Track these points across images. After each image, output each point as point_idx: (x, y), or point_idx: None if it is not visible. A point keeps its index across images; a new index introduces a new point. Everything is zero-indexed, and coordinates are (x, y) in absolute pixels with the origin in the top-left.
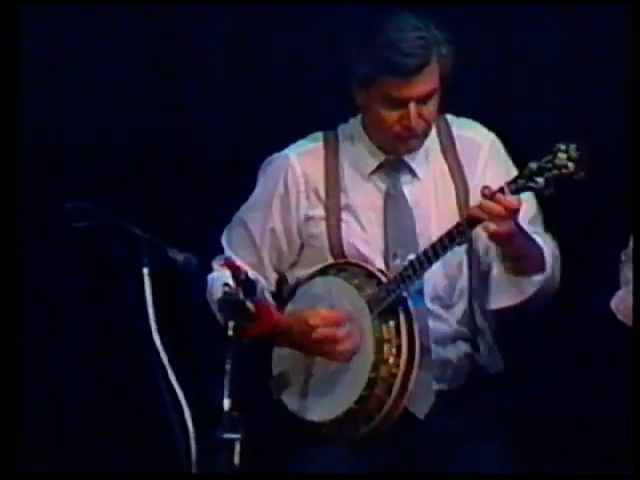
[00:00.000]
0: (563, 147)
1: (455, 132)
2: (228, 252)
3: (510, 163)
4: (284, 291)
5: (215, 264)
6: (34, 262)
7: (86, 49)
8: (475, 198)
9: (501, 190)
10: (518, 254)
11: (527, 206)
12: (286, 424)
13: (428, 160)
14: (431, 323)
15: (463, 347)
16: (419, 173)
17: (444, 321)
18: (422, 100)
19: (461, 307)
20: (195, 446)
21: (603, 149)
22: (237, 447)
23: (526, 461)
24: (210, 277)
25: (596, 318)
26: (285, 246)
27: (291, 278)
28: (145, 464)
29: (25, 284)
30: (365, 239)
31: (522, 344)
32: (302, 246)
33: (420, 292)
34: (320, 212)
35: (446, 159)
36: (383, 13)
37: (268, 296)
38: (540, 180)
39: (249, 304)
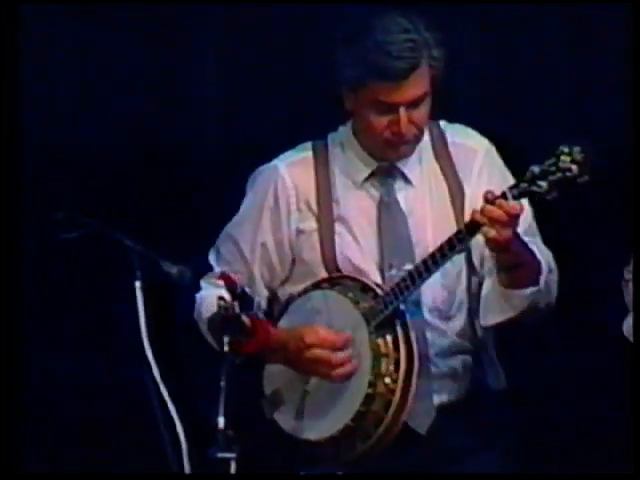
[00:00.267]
0: (566, 150)
1: (449, 138)
2: (217, 269)
3: (505, 170)
4: (275, 308)
5: (204, 282)
6: (29, 272)
7: (79, 59)
8: (471, 205)
9: (503, 195)
10: (514, 263)
11: (522, 215)
12: (280, 444)
13: (421, 166)
14: (430, 336)
15: (464, 360)
16: (413, 179)
17: (443, 334)
18: (412, 105)
19: (461, 319)
20: (189, 466)
21: (604, 152)
22: (232, 467)
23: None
24: (199, 295)
25: (598, 331)
26: (276, 261)
27: (282, 295)
28: (145, 464)
29: (21, 293)
30: (359, 251)
31: (523, 359)
32: (294, 261)
33: (417, 304)
34: (312, 224)
35: (440, 165)
36: (371, 14)
37: (261, 314)
38: (543, 184)
39: (245, 319)
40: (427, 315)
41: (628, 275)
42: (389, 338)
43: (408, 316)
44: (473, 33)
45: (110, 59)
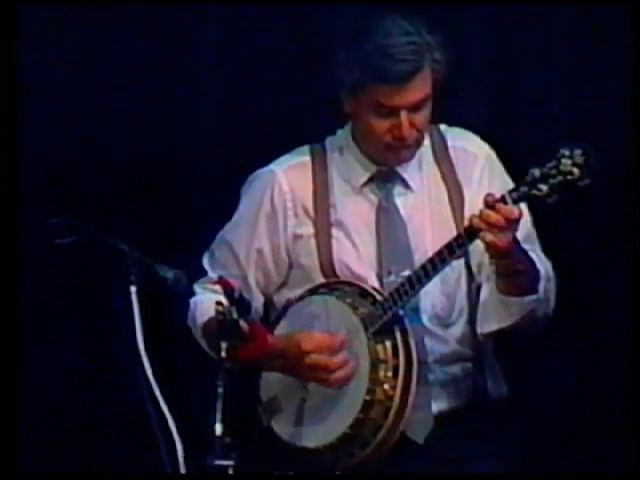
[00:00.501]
0: (567, 153)
1: (449, 142)
2: (211, 274)
3: (506, 176)
4: (272, 314)
5: (198, 287)
6: (27, 275)
7: (78, 64)
8: (470, 210)
9: (502, 199)
10: (514, 269)
11: (521, 222)
12: (277, 451)
13: (421, 171)
14: (429, 343)
15: (464, 368)
16: (412, 185)
17: (443, 341)
18: (414, 108)
19: (461, 326)
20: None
21: (605, 157)
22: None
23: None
24: (193, 300)
25: (599, 338)
26: (272, 267)
27: (278, 300)
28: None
29: (19, 297)
30: (357, 256)
31: (523, 366)
32: (290, 266)
33: (416, 310)
34: (309, 230)
35: (440, 170)
36: (372, 16)
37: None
38: (544, 187)
39: (243, 324)
40: (426, 322)
41: None
42: (388, 344)
43: (407, 322)
44: (472, 37)
45: (108, 64)
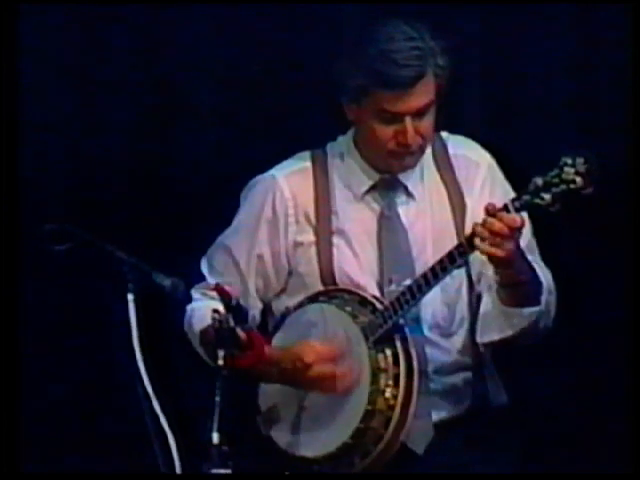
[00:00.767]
0: (570, 161)
1: (451, 150)
2: (210, 279)
3: (507, 185)
4: (270, 321)
5: (195, 292)
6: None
7: (77, 70)
8: (472, 219)
9: (505, 207)
10: (517, 280)
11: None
12: (276, 461)
13: (423, 179)
14: (430, 352)
15: (465, 377)
16: (414, 193)
17: (444, 350)
18: (418, 114)
19: (462, 336)
20: None
21: (605, 164)
22: None
23: None
24: (190, 307)
25: (599, 347)
26: (272, 273)
27: (276, 307)
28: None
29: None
30: (358, 265)
31: (523, 374)
32: (290, 273)
33: (417, 320)
34: (310, 237)
35: (442, 178)
36: (375, 21)
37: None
38: (547, 196)
39: (240, 332)
40: (427, 332)
41: None
42: (388, 353)
43: (408, 332)
44: (470, 43)
45: (108, 65)
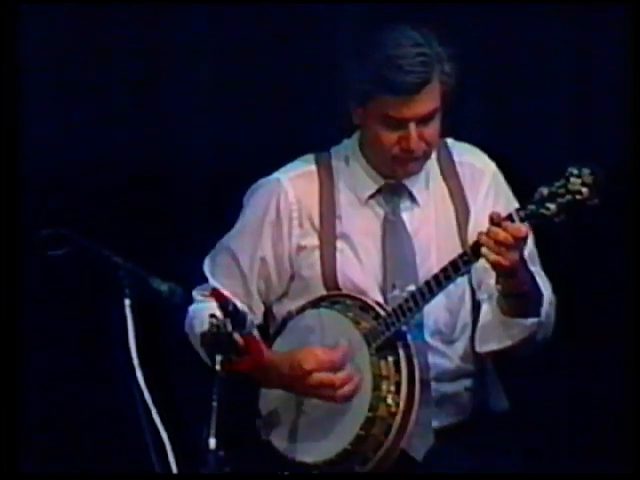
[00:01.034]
0: (576, 171)
1: (456, 157)
2: (212, 281)
3: (511, 195)
4: (271, 325)
5: (197, 294)
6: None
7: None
8: (475, 227)
9: (509, 217)
10: (519, 290)
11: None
12: (275, 466)
13: (428, 185)
14: (431, 359)
15: (466, 384)
16: (419, 199)
17: (446, 357)
18: (423, 120)
19: (464, 343)
20: None
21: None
22: None
23: None
24: (191, 309)
25: (599, 353)
26: (275, 277)
27: (277, 311)
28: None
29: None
30: (361, 269)
31: (523, 381)
32: (292, 277)
33: (419, 326)
34: (314, 241)
35: (447, 185)
36: (382, 27)
37: (255, 331)
38: (552, 206)
39: (237, 337)
40: (429, 338)
41: None
42: (390, 360)
43: (410, 338)
44: (471, 48)
45: (108, 66)
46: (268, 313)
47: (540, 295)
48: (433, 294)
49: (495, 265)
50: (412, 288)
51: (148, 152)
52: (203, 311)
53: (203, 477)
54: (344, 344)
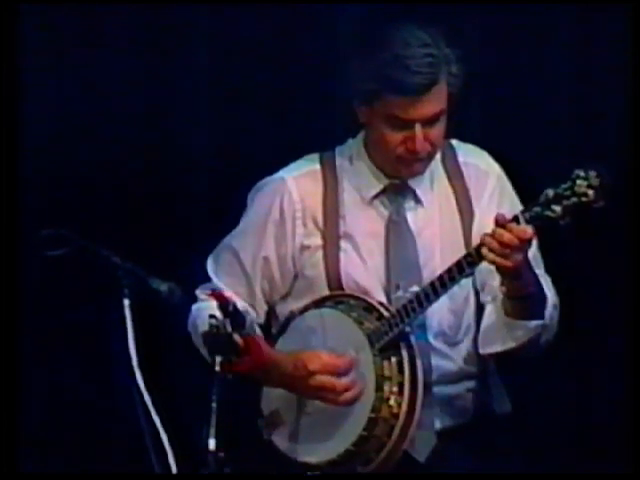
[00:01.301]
0: (582, 174)
1: (461, 158)
2: (215, 280)
3: (515, 197)
4: (274, 324)
5: (200, 293)
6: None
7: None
8: (479, 228)
9: (515, 218)
10: (523, 292)
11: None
12: (276, 466)
13: (433, 186)
14: (434, 360)
15: (469, 385)
16: (423, 199)
17: (449, 359)
18: (429, 122)
19: (467, 345)
20: None
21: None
22: None
23: None
24: (195, 307)
25: (601, 355)
26: (278, 276)
27: (281, 310)
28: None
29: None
30: (365, 269)
31: (526, 382)
32: (295, 277)
33: (423, 327)
34: (317, 241)
35: (452, 185)
36: (388, 25)
37: (258, 330)
38: (558, 208)
39: (237, 338)
40: (432, 339)
41: None
42: (394, 361)
43: (413, 339)
44: (474, 50)
45: (108, 66)
46: (271, 313)
47: (544, 297)
48: (437, 295)
49: (500, 267)
50: (416, 289)
51: (148, 152)
52: (205, 310)
53: (203, 477)
54: (350, 351)
